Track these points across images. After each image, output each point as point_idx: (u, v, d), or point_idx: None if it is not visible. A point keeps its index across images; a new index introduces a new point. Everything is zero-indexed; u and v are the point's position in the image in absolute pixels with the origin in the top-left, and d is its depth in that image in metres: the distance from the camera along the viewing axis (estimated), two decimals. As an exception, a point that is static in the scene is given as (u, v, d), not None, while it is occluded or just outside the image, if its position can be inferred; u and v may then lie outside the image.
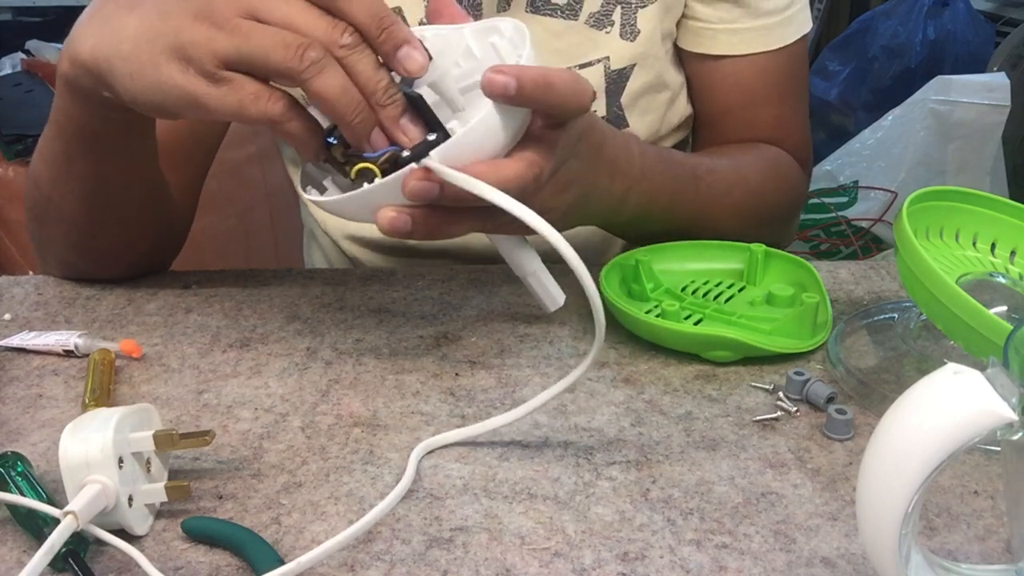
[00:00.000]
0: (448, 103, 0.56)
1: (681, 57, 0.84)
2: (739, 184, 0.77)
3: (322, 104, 0.50)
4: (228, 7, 0.49)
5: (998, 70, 2.19)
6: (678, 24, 0.81)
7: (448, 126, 0.54)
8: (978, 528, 0.49)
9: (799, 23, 0.82)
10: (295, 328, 0.67)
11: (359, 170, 0.52)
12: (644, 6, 0.77)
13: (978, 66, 2.32)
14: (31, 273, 1.03)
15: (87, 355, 0.63)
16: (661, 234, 0.73)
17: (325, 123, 0.54)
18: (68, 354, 0.63)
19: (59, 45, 2.07)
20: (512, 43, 0.57)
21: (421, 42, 0.52)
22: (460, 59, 0.58)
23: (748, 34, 0.80)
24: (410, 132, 0.51)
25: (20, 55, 2.13)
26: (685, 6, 0.80)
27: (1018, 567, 0.40)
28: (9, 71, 2.08)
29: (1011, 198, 0.64)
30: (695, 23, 0.80)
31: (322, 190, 0.56)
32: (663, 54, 0.80)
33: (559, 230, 0.48)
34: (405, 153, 0.51)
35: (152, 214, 0.72)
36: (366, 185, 0.51)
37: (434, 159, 0.50)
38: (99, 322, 0.68)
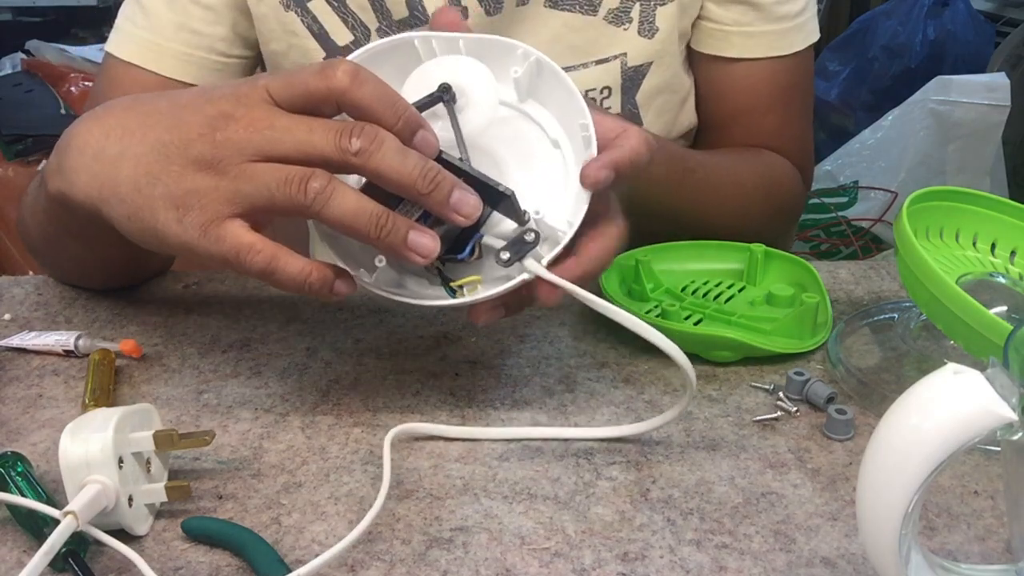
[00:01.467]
0: (466, 146, 0.53)
1: (692, 59, 0.83)
2: (731, 182, 0.78)
3: (343, 230, 0.48)
4: (235, 155, 0.47)
5: (998, 70, 2.19)
6: (693, 25, 0.81)
7: (506, 183, 0.51)
8: (978, 528, 0.48)
9: (808, 31, 0.82)
10: (295, 328, 0.67)
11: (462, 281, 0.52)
12: (663, 4, 0.77)
13: (978, 66, 2.32)
14: (31, 273, 1.03)
15: (87, 355, 0.63)
16: (649, 226, 0.72)
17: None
18: (68, 354, 0.63)
19: (59, 45, 2.06)
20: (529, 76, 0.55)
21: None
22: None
23: (761, 38, 0.79)
24: (465, 208, 0.48)
25: (20, 55, 2.13)
26: (701, 7, 0.79)
27: (1018, 567, 0.40)
28: (9, 71, 2.08)
29: (1011, 198, 0.64)
30: (709, 24, 0.80)
31: (371, 268, 0.52)
32: (678, 54, 0.80)
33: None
34: (504, 256, 0.50)
35: (148, 255, 0.71)
36: (468, 296, 0.51)
37: (543, 268, 0.50)
38: (99, 322, 0.68)
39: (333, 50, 0.75)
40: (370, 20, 0.74)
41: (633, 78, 0.78)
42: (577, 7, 0.75)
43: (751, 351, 0.61)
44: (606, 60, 0.77)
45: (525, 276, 0.50)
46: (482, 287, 0.52)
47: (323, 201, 0.46)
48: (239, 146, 0.47)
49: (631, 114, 0.81)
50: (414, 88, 0.53)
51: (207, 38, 0.75)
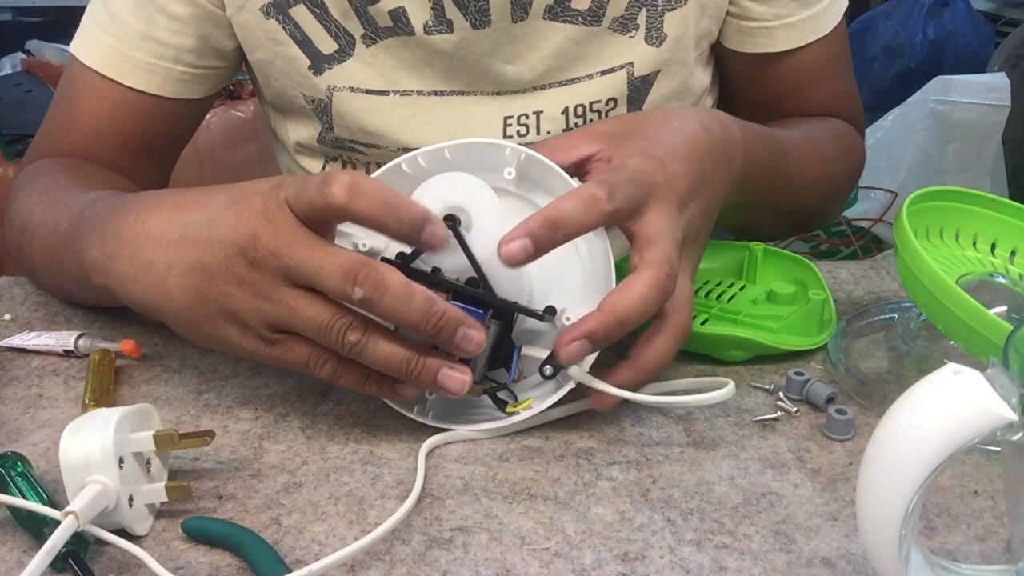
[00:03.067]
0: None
1: (723, 56, 0.81)
2: (818, 158, 0.76)
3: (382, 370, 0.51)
4: (270, 280, 0.49)
5: (998, 70, 2.19)
6: (722, 24, 0.78)
7: (526, 284, 0.54)
8: (978, 528, 0.48)
9: (841, 2, 0.81)
10: (295, 328, 0.67)
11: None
12: (672, 8, 0.74)
13: (978, 66, 2.33)
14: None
15: (87, 355, 0.63)
16: (751, 218, 0.73)
17: None
18: (68, 354, 0.63)
19: (59, 45, 2.06)
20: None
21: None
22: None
23: (803, 25, 0.78)
24: (468, 346, 0.50)
25: (20, 55, 2.13)
26: (733, 5, 0.77)
27: (1018, 567, 0.40)
28: (9, 71, 2.07)
29: (1011, 198, 0.64)
30: (748, 23, 0.77)
31: (423, 403, 0.56)
32: (692, 59, 0.77)
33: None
34: (547, 371, 0.52)
35: None
36: (523, 414, 0.54)
37: (587, 375, 0.53)
38: (99, 322, 0.68)
39: (318, 57, 0.72)
40: (354, 28, 0.71)
41: (640, 88, 0.76)
42: (580, 18, 0.72)
43: (763, 349, 0.61)
44: (611, 71, 0.74)
45: (571, 385, 0.54)
46: (535, 403, 0.55)
47: (358, 352, 0.50)
48: (271, 271, 0.49)
49: None
50: None
51: (173, 48, 0.73)
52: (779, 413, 0.57)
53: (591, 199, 0.51)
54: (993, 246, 0.64)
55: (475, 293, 0.52)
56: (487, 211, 0.52)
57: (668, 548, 0.47)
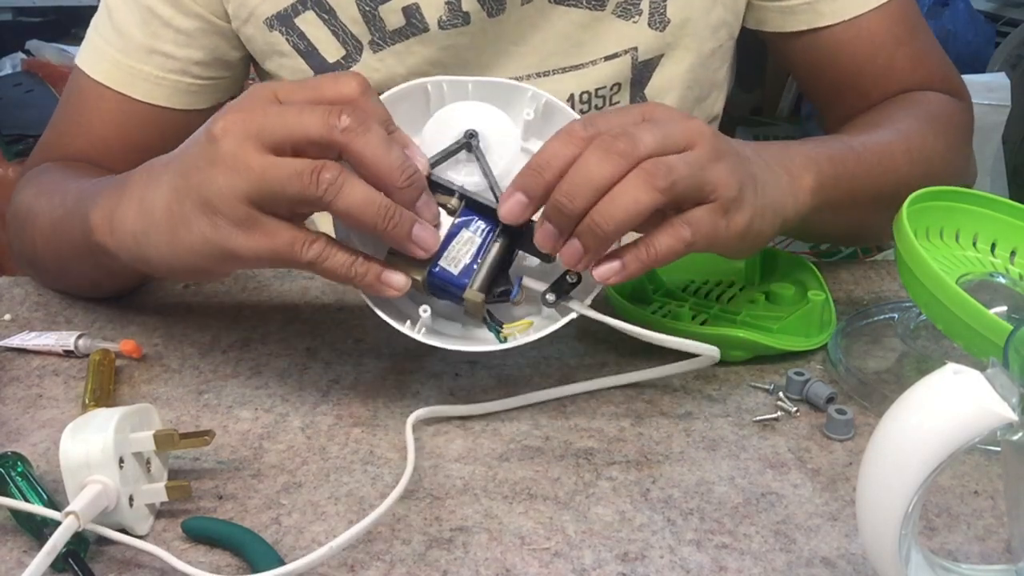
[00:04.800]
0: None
1: (776, 47, 0.79)
2: (906, 151, 0.70)
3: (351, 221, 0.50)
4: (233, 145, 0.49)
5: (998, 70, 2.19)
6: (755, 10, 0.77)
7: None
8: (978, 528, 0.49)
9: None
10: (295, 328, 0.67)
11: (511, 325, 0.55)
12: None
13: (978, 66, 2.32)
14: (31, 273, 1.03)
15: (87, 355, 0.63)
16: (846, 228, 0.71)
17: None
18: (68, 354, 0.63)
19: (59, 45, 2.06)
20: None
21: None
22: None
23: None
24: (426, 213, 0.51)
25: (20, 55, 2.13)
26: None
27: (1018, 567, 0.40)
28: (9, 71, 2.07)
29: (1011, 198, 0.64)
30: (785, 3, 0.75)
31: (416, 318, 0.55)
32: (707, 49, 0.76)
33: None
34: (550, 298, 0.53)
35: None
36: (520, 338, 0.54)
37: (589, 309, 0.54)
38: (99, 322, 0.68)
39: (322, 68, 0.73)
40: (362, 33, 0.71)
41: (642, 71, 0.76)
42: (585, 2, 0.72)
43: (762, 350, 0.61)
44: (615, 56, 0.74)
45: (572, 315, 0.54)
46: (532, 329, 0.55)
47: (334, 192, 0.48)
48: (238, 136, 0.49)
49: None
50: (435, 135, 0.55)
51: (180, 61, 0.73)
52: (779, 413, 0.57)
53: (567, 132, 0.51)
54: (993, 246, 0.64)
55: (484, 200, 0.53)
56: (504, 134, 0.54)
57: (668, 548, 0.47)
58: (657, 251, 0.51)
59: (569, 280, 0.53)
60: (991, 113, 1.96)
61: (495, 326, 0.55)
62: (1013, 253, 0.63)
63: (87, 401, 0.57)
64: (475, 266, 0.53)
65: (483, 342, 0.56)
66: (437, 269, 0.53)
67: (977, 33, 2.43)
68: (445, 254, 0.53)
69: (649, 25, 0.74)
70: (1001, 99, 1.94)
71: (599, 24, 0.73)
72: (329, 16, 0.71)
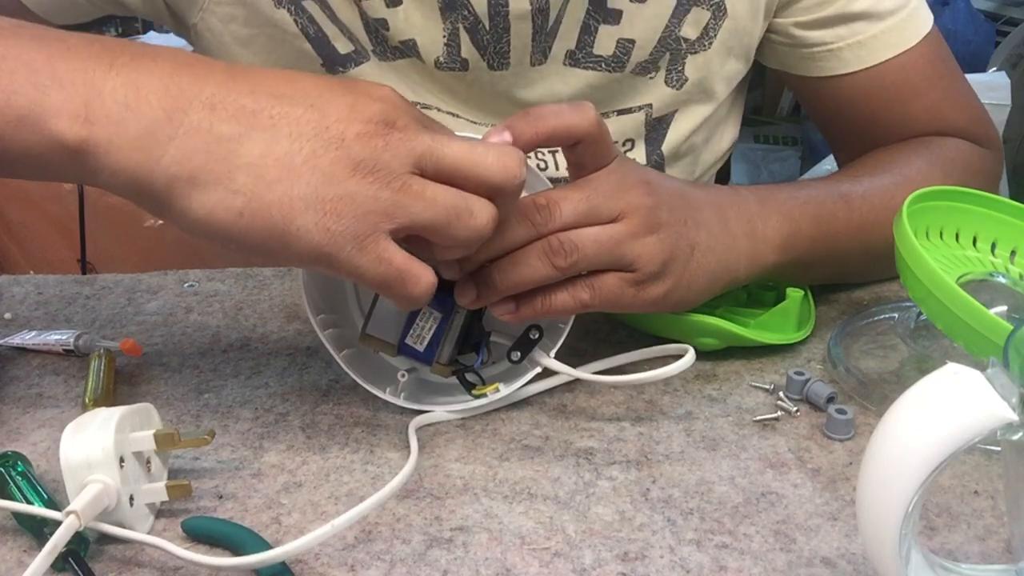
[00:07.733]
0: None
1: (797, 86, 0.77)
2: (890, 206, 0.65)
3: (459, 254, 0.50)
4: (398, 165, 0.44)
5: (998, 70, 2.19)
6: (777, 53, 0.75)
7: None
8: (978, 528, 0.49)
9: (926, 11, 0.74)
10: (295, 328, 0.67)
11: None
12: (695, 52, 0.71)
13: (978, 66, 2.32)
14: (31, 273, 1.03)
15: (87, 355, 0.63)
16: (832, 276, 0.70)
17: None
18: (68, 354, 0.63)
19: None
20: None
21: None
22: None
23: (875, 42, 0.72)
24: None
25: None
26: (779, 35, 0.74)
27: (1018, 567, 0.40)
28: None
29: (1011, 198, 0.64)
30: (806, 50, 0.73)
31: (396, 384, 0.58)
32: (720, 99, 0.75)
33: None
34: (515, 356, 0.56)
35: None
36: (491, 396, 0.56)
37: (553, 361, 0.56)
38: (99, 322, 0.68)
39: (332, 57, 0.68)
40: (365, 42, 0.68)
41: (657, 128, 0.74)
42: (603, 64, 0.70)
43: (736, 340, 0.61)
44: (629, 111, 0.73)
45: (537, 369, 0.56)
46: (502, 386, 0.57)
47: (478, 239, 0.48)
48: (402, 156, 0.44)
49: (656, 164, 0.76)
50: None
51: None
52: (779, 413, 0.57)
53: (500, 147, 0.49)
54: (993, 246, 0.64)
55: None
56: None
57: (668, 548, 0.47)
58: (551, 306, 0.53)
59: (531, 336, 0.56)
60: (991, 112, 1.96)
61: (467, 387, 0.57)
62: (1013, 253, 0.63)
63: (87, 401, 0.57)
64: (439, 339, 0.55)
65: (461, 402, 0.57)
66: (405, 344, 0.55)
67: (977, 32, 2.43)
68: (410, 332, 0.55)
69: (666, 83, 0.72)
70: (1001, 98, 1.94)
71: (616, 84, 0.71)
72: (329, 13, 0.67)
